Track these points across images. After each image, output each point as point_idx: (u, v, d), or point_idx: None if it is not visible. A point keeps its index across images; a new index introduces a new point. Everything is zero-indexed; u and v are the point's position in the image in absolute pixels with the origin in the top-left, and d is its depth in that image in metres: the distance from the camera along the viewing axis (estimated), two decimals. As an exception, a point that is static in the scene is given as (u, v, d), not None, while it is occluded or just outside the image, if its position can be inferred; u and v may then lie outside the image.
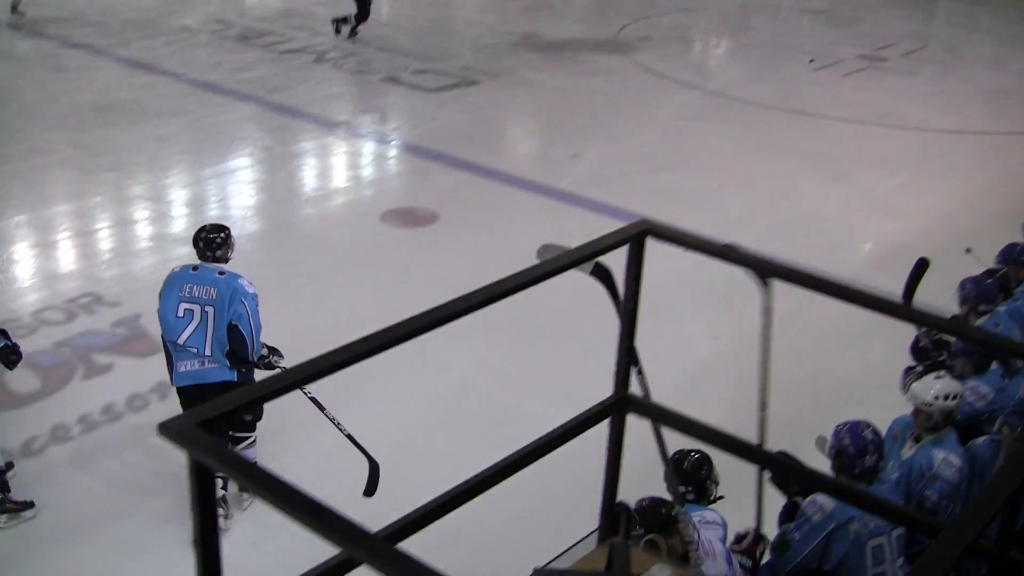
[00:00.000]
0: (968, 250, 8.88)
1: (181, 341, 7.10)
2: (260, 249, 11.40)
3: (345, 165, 14.00)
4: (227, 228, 7.40)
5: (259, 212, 12.34)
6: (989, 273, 7.86)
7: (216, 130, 14.53)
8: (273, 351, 7.30)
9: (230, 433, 7.28)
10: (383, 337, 2.78)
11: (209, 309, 7.09)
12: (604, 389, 3.96)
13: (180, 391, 7.29)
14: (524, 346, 9.40)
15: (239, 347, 7.13)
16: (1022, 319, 7.26)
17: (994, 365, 6.69)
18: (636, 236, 3.66)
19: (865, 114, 16.85)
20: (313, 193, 12.91)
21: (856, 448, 5.46)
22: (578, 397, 4.10)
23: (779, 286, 3.84)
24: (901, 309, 4.06)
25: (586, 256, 3.55)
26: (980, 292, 7.22)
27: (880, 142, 15.71)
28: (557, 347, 9.41)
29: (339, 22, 19.26)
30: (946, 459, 5.89)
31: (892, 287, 10.67)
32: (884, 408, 6.87)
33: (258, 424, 7.39)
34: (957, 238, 11.88)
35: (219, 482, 6.59)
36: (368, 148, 14.56)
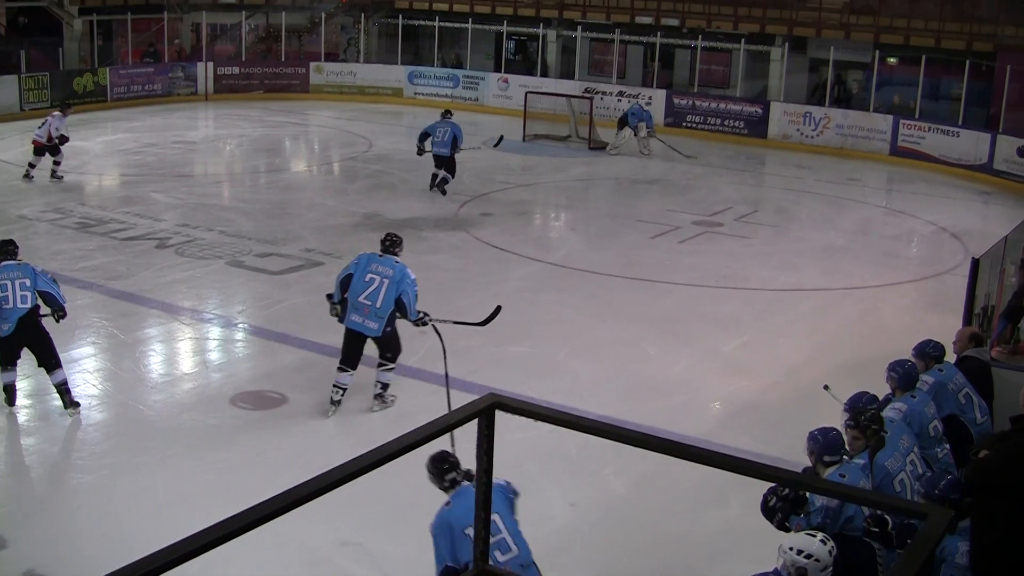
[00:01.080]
0: (826, 387, 9.12)
1: (360, 299, 11.43)
2: (108, 438, 11.19)
3: (192, 350, 13.87)
4: (401, 237, 12.17)
5: (105, 400, 12.12)
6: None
7: (60, 321, 14.30)
8: (425, 314, 11.76)
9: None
10: (241, 520, 2.78)
11: (385, 280, 11.45)
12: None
13: (347, 331, 11.62)
14: (384, 523, 9.32)
15: (401, 309, 11.54)
16: (880, 469, 7.48)
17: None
18: (485, 410, 3.72)
19: (705, 277, 17.32)
20: (160, 379, 12.73)
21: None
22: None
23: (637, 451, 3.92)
24: (752, 466, 4.17)
25: (437, 432, 3.59)
26: (826, 443, 7.41)
27: (721, 303, 16.13)
28: (416, 522, 9.35)
29: (439, 184, 22.50)
30: None
31: (743, 444, 10.92)
32: (748, 562, 6.97)
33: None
34: (804, 391, 12.22)
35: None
36: (215, 332, 14.45)
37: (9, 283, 10.96)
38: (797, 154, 30.28)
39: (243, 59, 37.47)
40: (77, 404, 11.46)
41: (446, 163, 22.32)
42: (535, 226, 22.05)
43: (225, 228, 19.11)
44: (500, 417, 3.82)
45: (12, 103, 30.25)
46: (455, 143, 22.05)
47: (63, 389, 11.41)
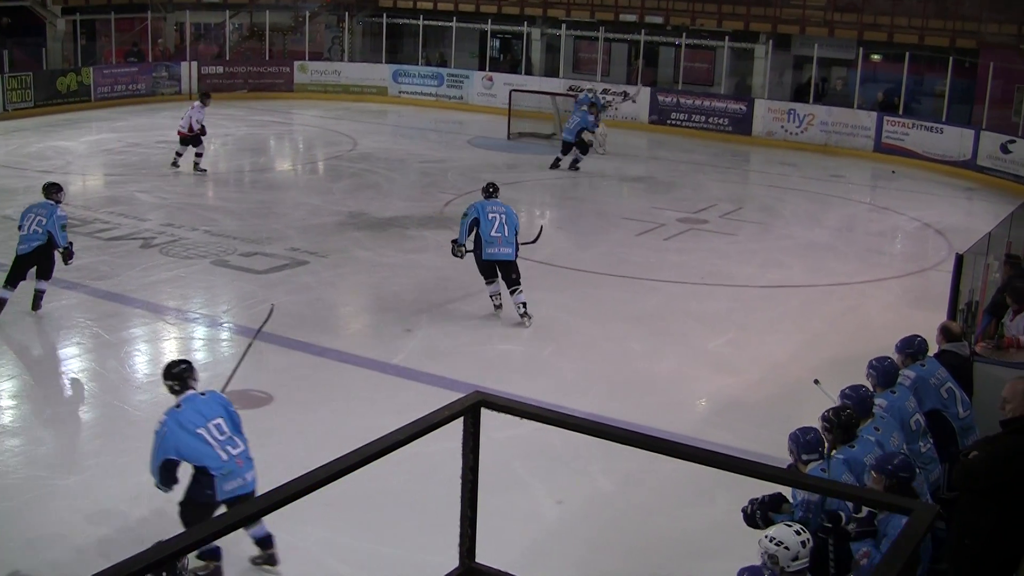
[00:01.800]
0: (816, 381, 9.14)
1: (493, 233, 14.45)
2: (93, 438, 11.19)
3: (177, 350, 13.84)
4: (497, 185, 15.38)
5: (91, 401, 12.10)
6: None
7: (44, 320, 14.30)
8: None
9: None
10: (227, 520, 2.79)
11: (504, 216, 14.62)
12: (451, 560, 3.98)
13: (485, 262, 14.70)
14: (370, 521, 9.33)
15: (518, 236, 14.76)
16: (858, 465, 7.50)
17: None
18: (471, 408, 3.73)
19: (690, 274, 17.36)
20: (146, 379, 12.70)
21: None
22: (427, 569, 4.12)
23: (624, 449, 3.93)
24: (738, 463, 4.18)
25: (420, 432, 3.60)
26: (804, 443, 7.44)
27: (707, 300, 16.17)
28: (402, 520, 9.36)
29: (573, 162, 24.91)
30: None
31: (729, 441, 10.94)
32: (735, 560, 7.00)
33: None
34: (789, 388, 12.25)
35: None
36: (200, 332, 14.43)
37: (32, 215, 14.09)
38: (781, 151, 30.33)
39: (227, 58, 37.43)
40: (38, 309, 14.43)
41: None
42: (521, 224, 22.00)
43: (210, 228, 19.08)
44: (486, 415, 3.83)
45: (-5, 104, 30.20)
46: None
47: (39, 293, 14.38)
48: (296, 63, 37.16)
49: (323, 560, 8.94)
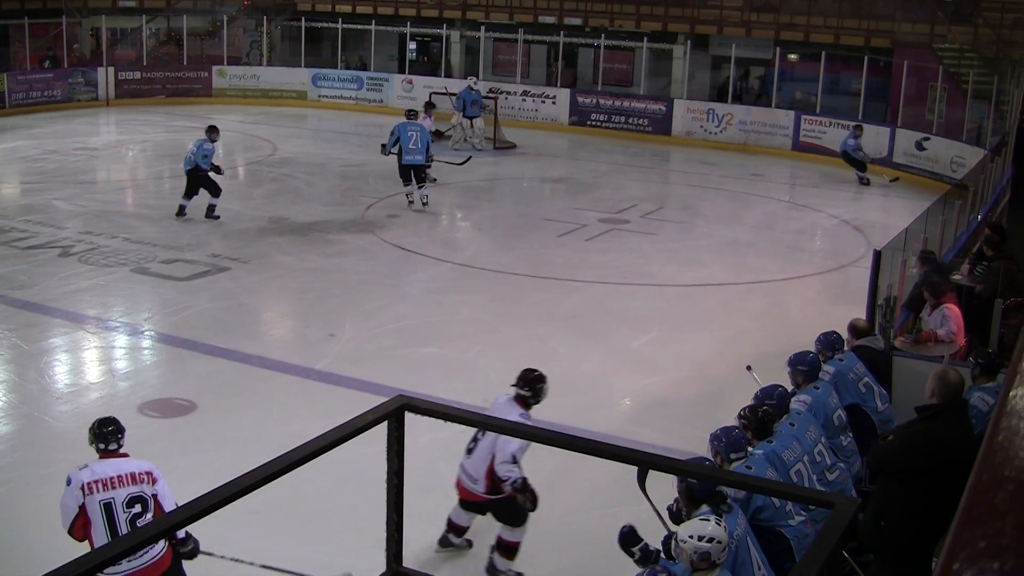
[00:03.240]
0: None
1: (411, 146, 20.93)
2: (13, 451, 11.03)
3: (98, 359, 13.69)
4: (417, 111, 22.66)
5: (10, 413, 11.94)
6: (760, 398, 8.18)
7: (-41, 333, 14.10)
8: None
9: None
10: (150, 530, 2.77)
11: (419, 133, 21.18)
12: (379, 564, 3.98)
13: (403, 165, 21.22)
14: (296, 528, 9.28)
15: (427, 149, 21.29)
16: (777, 459, 7.57)
17: (705, 507, 6.94)
18: (395, 412, 3.74)
19: (612, 274, 17.45)
20: (67, 390, 12.56)
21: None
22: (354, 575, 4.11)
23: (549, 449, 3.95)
24: (662, 461, 4.21)
25: (344, 436, 3.59)
26: (729, 442, 7.48)
27: (629, 299, 16.26)
28: (329, 526, 9.33)
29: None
30: None
31: (655, 440, 11.02)
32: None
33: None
34: (713, 385, 12.35)
35: None
36: (121, 340, 14.28)
37: (194, 146, 20.30)
38: (701, 151, 30.59)
39: (144, 63, 37.04)
40: (216, 216, 20.25)
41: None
42: (442, 227, 22.03)
43: (129, 235, 18.89)
44: (410, 419, 3.83)
45: (-93, 111, 29.73)
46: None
47: (211, 206, 20.25)
48: (214, 68, 36.89)
49: (248, 569, 8.89)
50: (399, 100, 35.33)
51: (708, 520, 6.26)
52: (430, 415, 3.79)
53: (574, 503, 10.06)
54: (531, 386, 8.80)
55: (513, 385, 8.82)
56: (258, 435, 11.08)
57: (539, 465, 10.45)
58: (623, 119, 32.91)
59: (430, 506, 8.96)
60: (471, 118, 29.13)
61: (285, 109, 35.82)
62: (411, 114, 22.42)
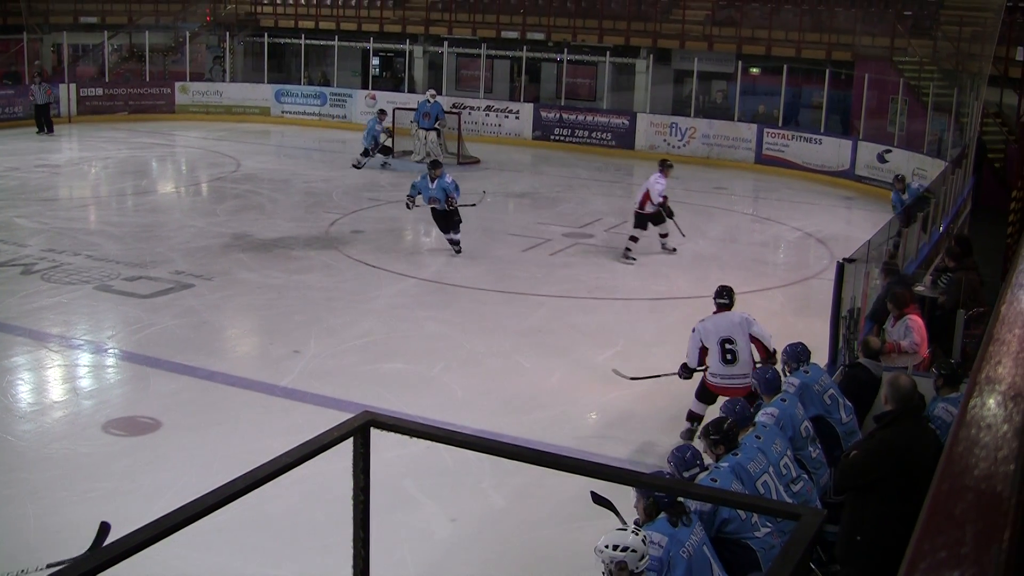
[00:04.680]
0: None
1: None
2: (-26, 472, 10.94)
3: (61, 377, 13.61)
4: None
5: (-29, 434, 11.86)
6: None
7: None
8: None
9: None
10: (114, 550, 2.76)
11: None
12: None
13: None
14: (262, 546, 9.25)
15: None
16: (743, 472, 7.59)
17: (662, 514, 6.95)
18: (360, 428, 3.73)
19: (577, 288, 17.47)
20: (29, 409, 12.47)
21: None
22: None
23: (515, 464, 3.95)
24: (627, 475, 4.22)
25: (310, 453, 3.58)
26: (682, 461, 7.48)
27: (594, 314, 16.28)
28: (295, 544, 9.30)
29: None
30: None
31: (621, 454, 11.04)
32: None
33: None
34: (679, 399, 12.36)
35: None
36: (84, 358, 14.20)
37: (424, 182, 19.49)
38: (665, 164, 30.65)
39: (107, 80, 36.90)
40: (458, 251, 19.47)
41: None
42: (406, 242, 22.02)
43: (92, 252, 18.79)
44: (376, 435, 3.83)
45: None
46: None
47: (452, 241, 19.50)
48: (177, 84, 36.82)
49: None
50: (362, 116, 35.26)
51: (625, 530, 6.33)
52: (396, 431, 3.78)
53: (541, 517, 10.05)
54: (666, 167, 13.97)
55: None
56: (223, 452, 11.03)
57: (506, 480, 10.48)
58: (586, 133, 33.02)
59: (397, 522, 8.95)
60: (425, 130, 29.11)
61: (248, 125, 35.75)
62: (381, 114, 28.03)
